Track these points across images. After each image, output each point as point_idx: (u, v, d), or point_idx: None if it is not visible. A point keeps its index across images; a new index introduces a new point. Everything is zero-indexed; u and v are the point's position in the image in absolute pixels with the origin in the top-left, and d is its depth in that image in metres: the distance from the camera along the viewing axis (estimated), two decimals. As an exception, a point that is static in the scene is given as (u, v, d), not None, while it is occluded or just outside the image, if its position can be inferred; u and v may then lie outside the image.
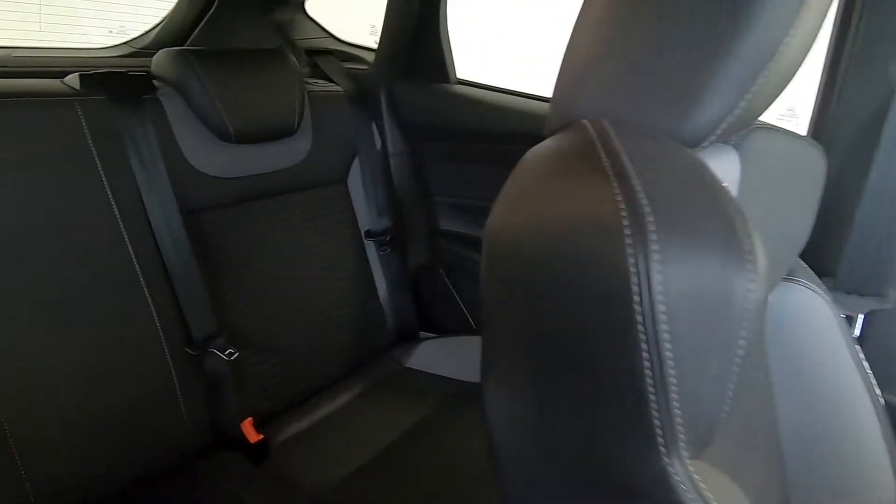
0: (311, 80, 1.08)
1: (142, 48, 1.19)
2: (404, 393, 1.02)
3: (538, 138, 0.33)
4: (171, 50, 0.87)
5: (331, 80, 1.11)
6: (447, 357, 1.10)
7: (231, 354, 0.82)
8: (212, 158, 0.87)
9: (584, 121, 0.31)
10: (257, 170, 0.93)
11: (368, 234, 1.10)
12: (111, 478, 0.74)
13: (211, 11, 1.13)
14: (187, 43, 1.14)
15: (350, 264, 1.08)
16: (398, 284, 1.15)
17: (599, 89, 0.31)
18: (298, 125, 0.97)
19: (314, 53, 1.16)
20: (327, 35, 1.25)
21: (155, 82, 0.84)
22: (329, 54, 1.18)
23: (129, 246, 0.75)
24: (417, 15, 1.08)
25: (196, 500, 0.75)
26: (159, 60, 0.87)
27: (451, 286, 1.19)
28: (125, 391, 0.75)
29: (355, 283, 1.08)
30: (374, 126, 1.12)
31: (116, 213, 0.75)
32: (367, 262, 1.12)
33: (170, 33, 1.16)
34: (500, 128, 1.02)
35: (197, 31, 1.14)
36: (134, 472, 0.76)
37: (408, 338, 1.18)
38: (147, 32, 1.21)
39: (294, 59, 0.99)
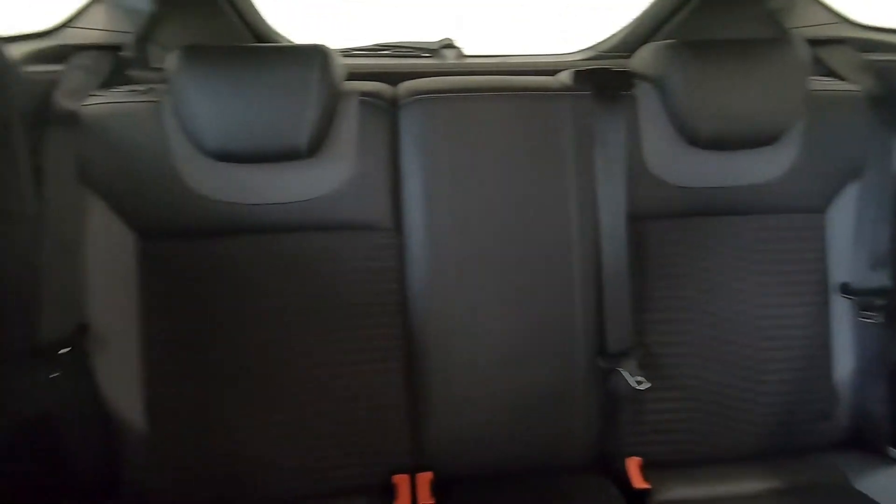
0: (813, 78, 0.84)
1: (606, 51, 1.21)
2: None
3: None
4: (657, 43, 0.81)
5: (840, 77, 0.84)
6: None
7: (639, 383, 0.73)
8: (672, 163, 0.77)
9: None
10: (720, 182, 0.78)
11: (846, 289, 0.79)
12: (492, 466, 0.77)
13: (684, 11, 1.02)
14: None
15: (801, 320, 0.81)
16: (873, 369, 0.80)
17: None
18: (787, 132, 0.77)
19: (818, 43, 0.90)
20: (839, 20, 0.95)
21: (634, 79, 0.80)
22: (840, 43, 0.89)
23: (573, 241, 0.75)
24: None
25: None
26: (642, 54, 0.82)
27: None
28: (531, 385, 0.76)
29: (802, 345, 0.81)
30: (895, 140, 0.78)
31: (573, 206, 0.75)
32: (827, 325, 0.81)
33: (638, 34, 1.12)
34: None
35: (666, 28, 1.07)
36: (512, 464, 0.77)
37: (867, 449, 0.81)
38: (613, 35, 1.23)
39: (801, 49, 0.78)
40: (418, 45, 1.14)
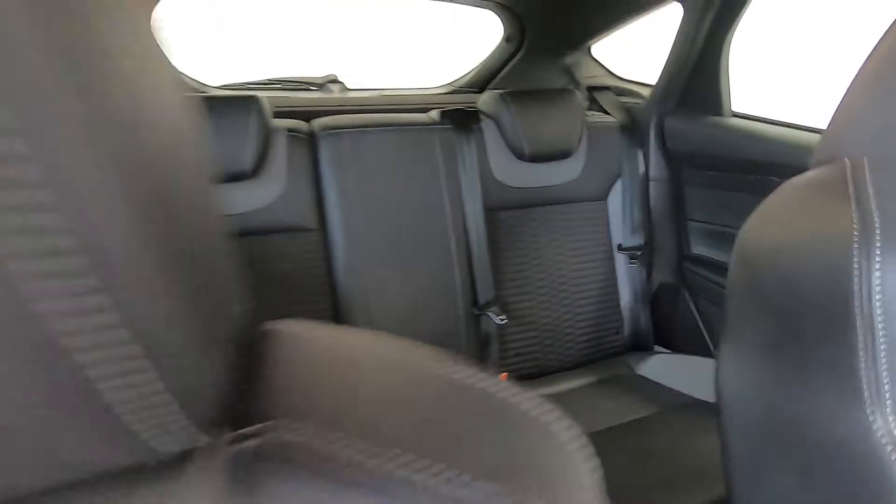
0: (590, 112, 1.29)
1: (459, 87, 1.58)
2: (632, 393, 1.13)
3: (799, 169, 0.42)
4: (493, 92, 1.18)
5: (606, 112, 1.30)
6: (679, 372, 1.15)
7: (502, 320, 1.08)
8: (510, 172, 1.15)
9: (846, 159, 0.37)
10: (540, 183, 1.18)
11: (620, 247, 1.25)
12: None
13: (515, 58, 1.44)
14: (493, 83, 1.48)
15: (599, 270, 1.24)
16: (640, 297, 1.26)
17: (870, 131, 0.36)
18: (576, 150, 1.19)
19: (594, 89, 1.36)
20: (608, 73, 1.43)
21: (480, 115, 1.16)
22: (607, 90, 1.36)
23: (449, 227, 1.08)
24: (699, 52, 1.16)
25: None
26: (484, 99, 1.19)
27: (693, 307, 1.23)
28: (426, 332, 1.07)
29: (601, 287, 1.24)
30: (640, 153, 1.25)
31: (447, 204, 1.08)
32: (614, 272, 1.26)
33: (481, 75, 1.51)
34: (765, 159, 1.04)
35: (503, 73, 1.47)
36: None
37: (642, 349, 1.27)
38: (465, 75, 1.61)
39: (579, 96, 1.21)
40: (306, 80, 1.38)
